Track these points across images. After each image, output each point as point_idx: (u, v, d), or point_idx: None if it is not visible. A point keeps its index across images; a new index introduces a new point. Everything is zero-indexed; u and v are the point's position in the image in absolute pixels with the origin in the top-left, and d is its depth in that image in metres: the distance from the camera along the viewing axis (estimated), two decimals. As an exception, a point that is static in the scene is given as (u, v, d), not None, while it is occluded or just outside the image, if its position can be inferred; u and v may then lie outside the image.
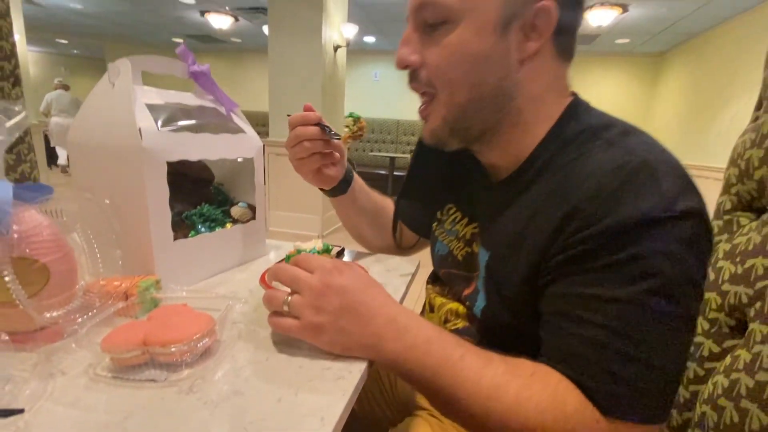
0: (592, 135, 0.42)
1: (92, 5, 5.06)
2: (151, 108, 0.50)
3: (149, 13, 5.27)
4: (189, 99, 0.59)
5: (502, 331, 0.47)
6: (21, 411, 0.30)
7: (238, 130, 0.62)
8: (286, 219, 3.41)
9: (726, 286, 0.56)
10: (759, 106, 0.62)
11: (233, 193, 0.70)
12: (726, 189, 0.64)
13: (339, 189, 0.65)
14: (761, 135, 0.58)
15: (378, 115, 6.00)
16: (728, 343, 0.55)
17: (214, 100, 0.62)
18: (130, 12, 5.26)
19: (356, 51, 6.04)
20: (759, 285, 0.51)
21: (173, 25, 5.76)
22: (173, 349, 0.35)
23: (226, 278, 0.59)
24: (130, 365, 0.36)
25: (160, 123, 0.49)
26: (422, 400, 0.60)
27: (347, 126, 4.39)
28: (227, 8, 4.84)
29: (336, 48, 3.33)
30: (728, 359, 0.52)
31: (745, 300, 0.53)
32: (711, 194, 0.42)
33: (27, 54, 4.03)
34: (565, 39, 0.44)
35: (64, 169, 5.94)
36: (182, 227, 0.56)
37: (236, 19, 5.20)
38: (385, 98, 6.29)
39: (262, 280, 0.46)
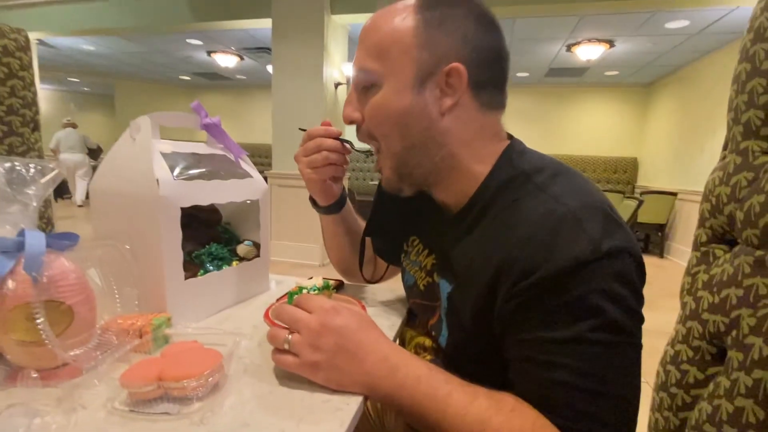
0: (525, 179, 0.47)
1: (104, 47, 5.32)
2: (168, 159, 0.55)
3: (158, 53, 5.52)
4: (201, 148, 0.65)
5: (466, 361, 0.50)
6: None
7: (246, 175, 0.67)
8: (286, 248, 3.45)
9: (705, 315, 0.59)
10: (726, 147, 0.67)
11: (239, 231, 0.75)
12: (701, 223, 0.68)
13: (334, 207, 0.68)
14: (727, 173, 0.62)
15: (377, 145, 6.14)
16: (711, 370, 0.58)
17: (224, 148, 0.68)
18: (140, 53, 5.52)
19: (356, 85, 6.25)
20: (733, 314, 0.54)
21: (181, 64, 6.02)
22: (186, 384, 0.38)
23: (231, 314, 0.62)
24: (145, 399, 0.39)
25: (175, 173, 0.54)
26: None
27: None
28: (233, 48, 5.08)
29: (336, 85, 3.48)
30: (711, 386, 0.54)
31: (722, 328, 0.56)
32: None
33: (39, 92, 4.21)
34: (487, 92, 0.49)
35: (84, 203, 6.33)
36: (192, 266, 0.60)
37: (241, 58, 5.44)
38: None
39: (266, 316, 0.49)
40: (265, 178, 0.66)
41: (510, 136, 0.54)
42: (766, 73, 0.50)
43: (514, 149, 0.51)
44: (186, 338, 0.48)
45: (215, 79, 6.95)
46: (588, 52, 4.26)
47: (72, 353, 0.41)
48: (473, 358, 0.49)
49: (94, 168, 6.15)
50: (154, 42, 4.98)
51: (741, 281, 0.52)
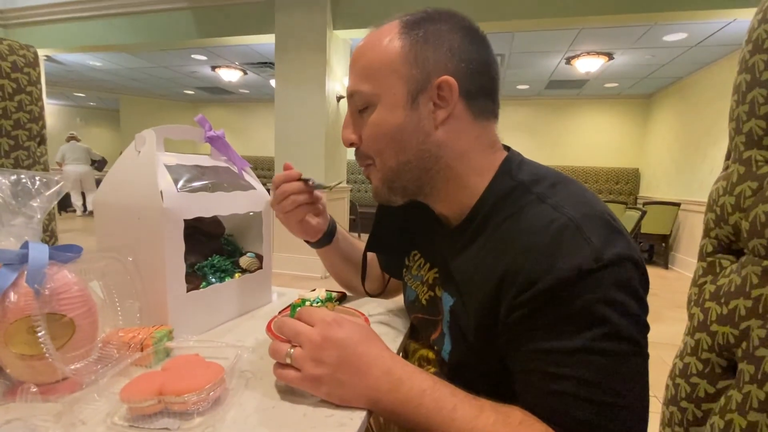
0: (524, 190, 0.47)
1: (110, 63, 5.42)
2: (172, 171, 0.55)
3: (164, 69, 5.62)
4: (205, 161, 0.65)
5: (469, 374, 0.50)
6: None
7: (249, 187, 0.67)
8: (288, 260, 3.44)
9: (714, 327, 0.58)
10: (728, 156, 0.67)
11: (242, 243, 0.75)
12: (706, 233, 0.67)
13: (324, 240, 0.70)
14: (731, 183, 0.62)
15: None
16: (722, 383, 0.56)
17: (227, 160, 0.68)
18: (146, 68, 5.62)
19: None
20: (743, 325, 0.53)
21: (185, 79, 6.12)
22: (187, 399, 0.37)
23: (233, 326, 0.62)
24: (145, 414, 0.38)
25: (179, 185, 0.54)
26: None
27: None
28: (237, 63, 5.16)
29: (339, 98, 3.52)
30: (723, 400, 0.53)
31: (732, 340, 0.55)
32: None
33: (46, 107, 4.28)
34: (479, 102, 0.50)
35: (88, 212, 6.51)
36: (194, 278, 0.60)
37: (245, 73, 5.53)
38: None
39: (269, 329, 0.49)
40: (268, 191, 0.66)
41: (507, 148, 0.55)
42: (766, 83, 0.50)
43: (513, 160, 0.51)
44: (187, 351, 0.48)
45: (219, 93, 7.05)
46: (587, 65, 4.31)
47: (72, 367, 0.41)
48: (477, 370, 0.49)
49: (98, 181, 6.25)
50: (160, 57, 5.07)
51: (749, 292, 0.51)
